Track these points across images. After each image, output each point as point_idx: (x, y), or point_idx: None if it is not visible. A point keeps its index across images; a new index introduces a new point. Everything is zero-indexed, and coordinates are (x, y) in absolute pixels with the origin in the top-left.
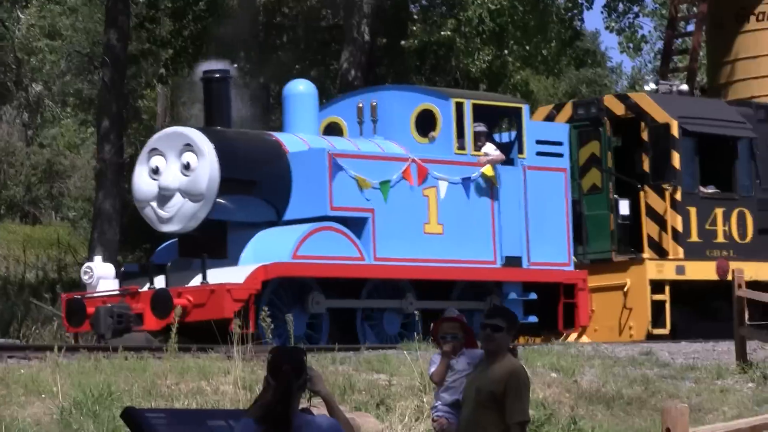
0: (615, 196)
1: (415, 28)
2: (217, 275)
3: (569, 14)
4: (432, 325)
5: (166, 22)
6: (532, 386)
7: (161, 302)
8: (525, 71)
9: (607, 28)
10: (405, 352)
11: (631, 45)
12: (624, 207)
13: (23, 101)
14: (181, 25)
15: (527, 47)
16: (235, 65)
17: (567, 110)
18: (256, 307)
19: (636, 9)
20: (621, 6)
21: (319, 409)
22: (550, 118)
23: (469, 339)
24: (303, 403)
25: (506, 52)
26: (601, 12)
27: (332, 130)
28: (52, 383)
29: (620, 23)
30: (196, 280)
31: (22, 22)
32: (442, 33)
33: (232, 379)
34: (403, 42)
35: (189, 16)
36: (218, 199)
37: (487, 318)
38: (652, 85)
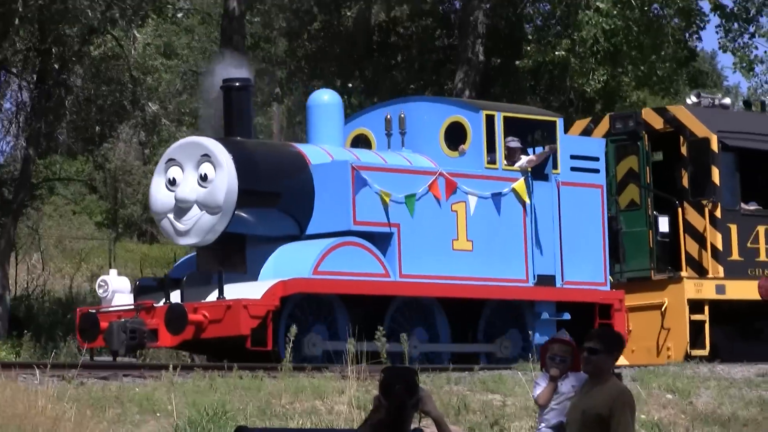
0: (654, 212)
1: (529, 48)
2: (235, 290)
3: (684, 34)
4: (541, 346)
5: (282, 41)
6: (646, 408)
7: (175, 318)
8: (642, 91)
9: (721, 48)
10: (520, 372)
11: (744, 65)
12: (663, 224)
13: (140, 120)
14: (296, 45)
15: (642, 67)
16: (350, 85)
17: (604, 124)
18: (275, 324)
19: (751, 29)
20: (736, 25)
21: (430, 430)
22: (587, 131)
23: (577, 362)
24: (414, 423)
25: (621, 72)
26: (716, 32)
27: (360, 142)
28: (167, 402)
29: (735, 43)
30: (213, 296)
31: (138, 41)
32: (557, 53)
33: (347, 399)
34: (517, 62)
35: (304, 36)
36: (237, 212)
37: (586, 341)
38: (693, 98)
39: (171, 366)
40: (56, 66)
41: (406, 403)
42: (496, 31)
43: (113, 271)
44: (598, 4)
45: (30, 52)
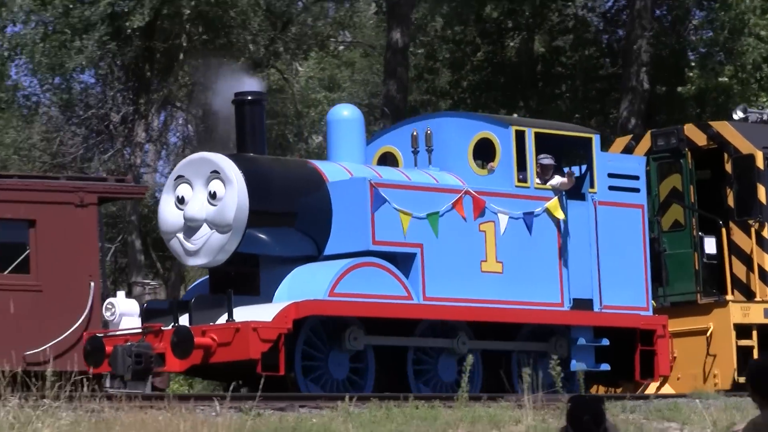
0: (699, 233)
1: (692, 74)
2: (246, 313)
3: None
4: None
5: (445, 72)
6: None
7: (181, 341)
8: None
9: None
10: (697, 400)
11: None
12: (710, 245)
13: (303, 153)
14: (460, 76)
15: None
16: (515, 114)
17: (646, 141)
18: (289, 348)
19: None
20: None
21: None
22: (628, 149)
23: None
24: None
25: None
26: None
27: (387, 160)
28: (344, 431)
29: None
30: (223, 318)
31: (301, 74)
32: (720, 79)
33: (524, 428)
34: (680, 88)
35: (467, 67)
36: (248, 231)
37: None
38: (740, 113)
39: (347, 396)
40: (220, 100)
41: None
42: (660, 59)
43: (121, 293)
44: (759, 31)
45: (194, 87)
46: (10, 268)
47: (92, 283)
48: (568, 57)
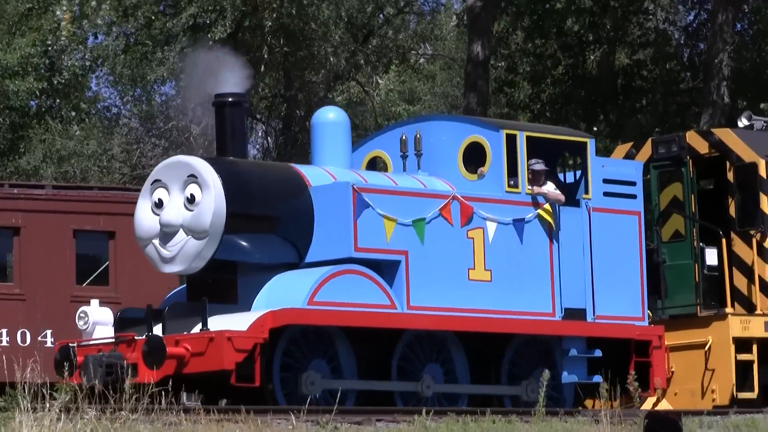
0: (701, 244)
1: None
2: (221, 322)
3: None
4: None
5: (525, 86)
6: None
7: (153, 351)
8: None
9: None
10: None
11: None
12: (711, 256)
13: (381, 166)
14: (540, 89)
15: None
16: (595, 128)
17: (647, 149)
18: (265, 359)
19: None
20: None
21: None
22: (629, 157)
23: None
24: None
25: None
26: None
27: (376, 165)
28: None
29: None
30: (198, 328)
31: (381, 87)
32: None
33: None
34: (762, 105)
35: (547, 80)
36: (226, 237)
37: None
38: (744, 121)
39: (423, 410)
40: (301, 112)
41: None
42: (741, 73)
43: (95, 302)
44: None
45: (275, 99)
46: (89, 280)
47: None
48: (649, 71)
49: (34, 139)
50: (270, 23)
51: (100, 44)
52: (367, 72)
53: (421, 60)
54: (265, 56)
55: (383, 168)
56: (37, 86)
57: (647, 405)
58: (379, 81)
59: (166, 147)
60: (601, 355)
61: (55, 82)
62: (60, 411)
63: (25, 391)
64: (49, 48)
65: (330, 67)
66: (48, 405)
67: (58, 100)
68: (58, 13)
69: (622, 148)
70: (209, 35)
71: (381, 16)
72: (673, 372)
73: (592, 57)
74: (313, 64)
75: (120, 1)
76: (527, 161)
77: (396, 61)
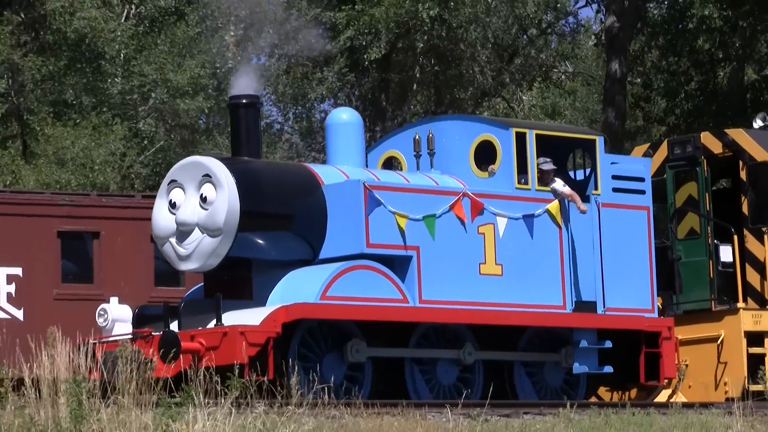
0: (715, 241)
1: None
2: (236, 317)
3: None
4: None
5: (659, 101)
6: None
7: (167, 346)
8: None
9: None
10: None
11: None
12: (726, 253)
13: None
14: (674, 104)
15: None
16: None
17: (663, 149)
18: (280, 353)
19: None
20: None
21: None
22: (647, 157)
23: None
24: None
25: None
26: None
27: (391, 164)
28: None
29: None
30: (213, 323)
31: (525, 102)
32: None
33: None
34: None
35: (680, 95)
36: (240, 235)
37: None
38: (759, 122)
39: (568, 404)
40: None
41: None
42: None
43: (114, 299)
44: None
45: (426, 115)
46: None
47: None
48: None
49: (203, 154)
50: (422, 44)
51: (263, 65)
52: (512, 89)
53: (562, 77)
54: (417, 75)
55: (398, 167)
56: (206, 105)
57: (661, 397)
58: (523, 97)
59: (324, 161)
60: (611, 346)
61: (222, 100)
62: (231, 405)
63: (198, 387)
64: (217, 69)
65: (477, 85)
66: (220, 400)
67: (225, 118)
68: (225, 37)
69: (639, 149)
70: (365, 56)
71: (525, 37)
72: (687, 365)
73: (722, 73)
74: (462, 82)
75: (282, 25)
76: (537, 158)
77: (539, 79)
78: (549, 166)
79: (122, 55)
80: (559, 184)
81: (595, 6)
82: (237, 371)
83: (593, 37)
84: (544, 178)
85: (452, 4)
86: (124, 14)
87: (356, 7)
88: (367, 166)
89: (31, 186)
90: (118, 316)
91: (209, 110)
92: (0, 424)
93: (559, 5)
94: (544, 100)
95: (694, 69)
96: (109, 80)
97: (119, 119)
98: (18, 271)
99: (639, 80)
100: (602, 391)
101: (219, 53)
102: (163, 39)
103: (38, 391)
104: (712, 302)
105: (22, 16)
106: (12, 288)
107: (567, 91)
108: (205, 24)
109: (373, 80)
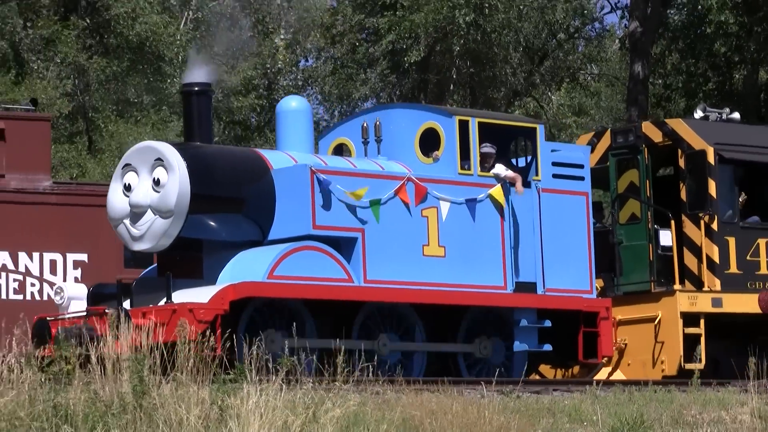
0: (655, 226)
1: None
2: (186, 295)
3: None
4: None
5: (679, 101)
6: None
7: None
8: None
9: None
10: None
11: None
12: (665, 238)
13: None
14: (693, 103)
15: None
16: None
17: (606, 138)
18: (229, 330)
19: None
20: None
21: None
22: (591, 145)
23: None
24: None
25: None
26: None
27: (341, 151)
28: (592, 413)
29: None
30: (163, 301)
31: (554, 102)
32: None
33: (749, 410)
34: None
35: (699, 96)
36: (191, 216)
37: None
38: (699, 112)
39: (594, 381)
40: None
41: None
42: None
43: (71, 278)
44: None
45: None
46: None
47: None
48: None
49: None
50: (458, 48)
51: (311, 67)
52: (542, 89)
53: (589, 78)
54: (454, 76)
55: (348, 153)
56: (258, 103)
57: (601, 374)
58: (552, 97)
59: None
60: (550, 325)
61: (273, 99)
62: (282, 382)
63: (251, 365)
64: (268, 70)
65: (510, 86)
66: (271, 377)
67: (274, 116)
68: (275, 40)
69: (584, 138)
70: (405, 58)
71: (554, 41)
72: (626, 344)
73: (738, 75)
74: (495, 83)
75: (328, 29)
76: (479, 145)
77: (567, 80)
78: (488, 149)
79: (180, 57)
80: (501, 169)
81: (619, 12)
82: (184, 346)
83: (617, 41)
84: (485, 161)
85: (487, 10)
86: (183, 19)
87: (397, 13)
88: (318, 152)
89: (96, 178)
90: (74, 295)
91: (260, 108)
92: (68, 399)
93: (585, 12)
94: (571, 100)
95: (711, 71)
96: (168, 80)
97: (177, 116)
98: (84, 257)
99: (660, 81)
100: (546, 368)
101: (269, 55)
102: (218, 42)
103: (103, 368)
104: (652, 284)
105: (88, 21)
106: (78, 272)
107: (593, 91)
108: (257, 28)
109: (412, 81)
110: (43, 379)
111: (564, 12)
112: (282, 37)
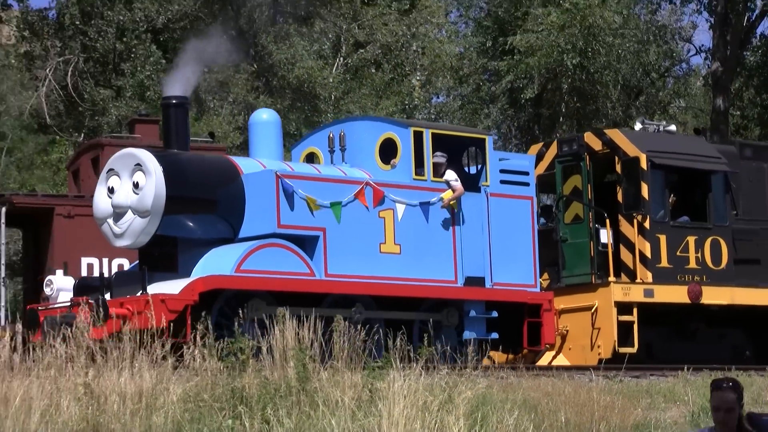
0: (596, 225)
1: None
2: (160, 288)
3: None
4: None
5: (754, 128)
6: None
7: (98, 311)
8: None
9: None
10: None
11: None
12: (604, 236)
13: None
14: (766, 131)
15: None
16: None
17: (554, 148)
18: (198, 319)
19: None
20: None
21: None
22: (540, 154)
23: None
24: None
25: None
26: None
27: (310, 159)
28: (684, 394)
29: None
30: (139, 292)
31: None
32: None
33: None
34: None
35: None
36: (166, 216)
37: None
38: (638, 125)
39: (685, 367)
40: None
41: None
42: None
43: (60, 272)
44: None
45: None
46: None
47: None
48: None
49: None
50: (566, 86)
51: (442, 103)
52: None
53: (677, 111)
54: (563, 110)
55: (317, 161)
56: None
57: (544, 359)
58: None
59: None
60: (497, 315)
61: None
62: (421, 369)
63: (396, 354)
64: (406, 106)
65: (610, 118)
66: (413, 364)
67: None
68: (412, 81)
69: (535, 147)
70: (521, 95)
71: (648, 79)
72: (567, 331)
73: None
74: (598, 116)
75: (456, 71)
76: (432, 154)
77: (659, 112)
78: (440, 159)
79: (333, 96)
80: (451, 176)
81: (703, 54)
82: (157, 333)
83: (701, 79)
84: (437, 170)
85: (590, 53)
86: (335, 64)
87: (515, 57)
88: (291, 160)
89: None
90: (62, 286)
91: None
92: (243, 383)
93: (674, 54)
94: None
95: None
96: (323, 116)
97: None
98: None
99: (738, 113)
100: (499, 354)
101: (407, 93)
102: (365, 83)
103: (272, 357)
104: (593, 277)
105: (255, 66)
106: None
107: (680, 122)
108: (397, 71)
109: (528, 114)
110: (222, 367)
111: (656, 55)
112: (417, 78)
